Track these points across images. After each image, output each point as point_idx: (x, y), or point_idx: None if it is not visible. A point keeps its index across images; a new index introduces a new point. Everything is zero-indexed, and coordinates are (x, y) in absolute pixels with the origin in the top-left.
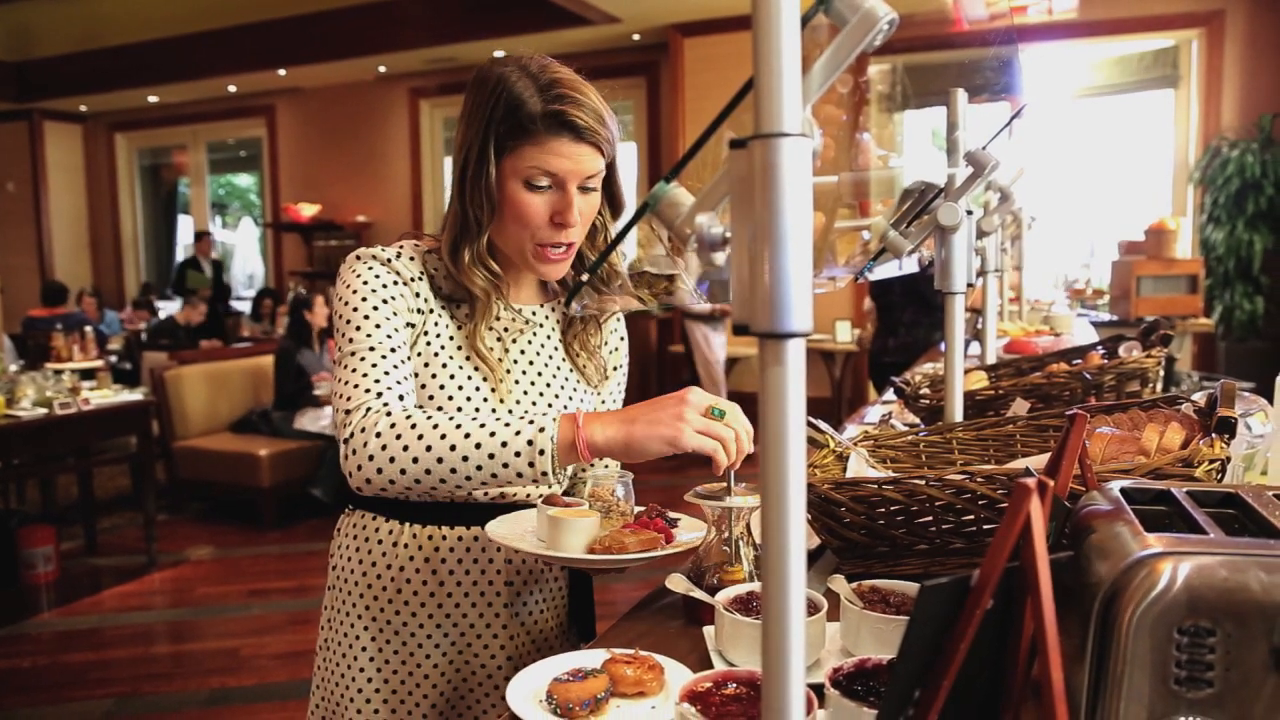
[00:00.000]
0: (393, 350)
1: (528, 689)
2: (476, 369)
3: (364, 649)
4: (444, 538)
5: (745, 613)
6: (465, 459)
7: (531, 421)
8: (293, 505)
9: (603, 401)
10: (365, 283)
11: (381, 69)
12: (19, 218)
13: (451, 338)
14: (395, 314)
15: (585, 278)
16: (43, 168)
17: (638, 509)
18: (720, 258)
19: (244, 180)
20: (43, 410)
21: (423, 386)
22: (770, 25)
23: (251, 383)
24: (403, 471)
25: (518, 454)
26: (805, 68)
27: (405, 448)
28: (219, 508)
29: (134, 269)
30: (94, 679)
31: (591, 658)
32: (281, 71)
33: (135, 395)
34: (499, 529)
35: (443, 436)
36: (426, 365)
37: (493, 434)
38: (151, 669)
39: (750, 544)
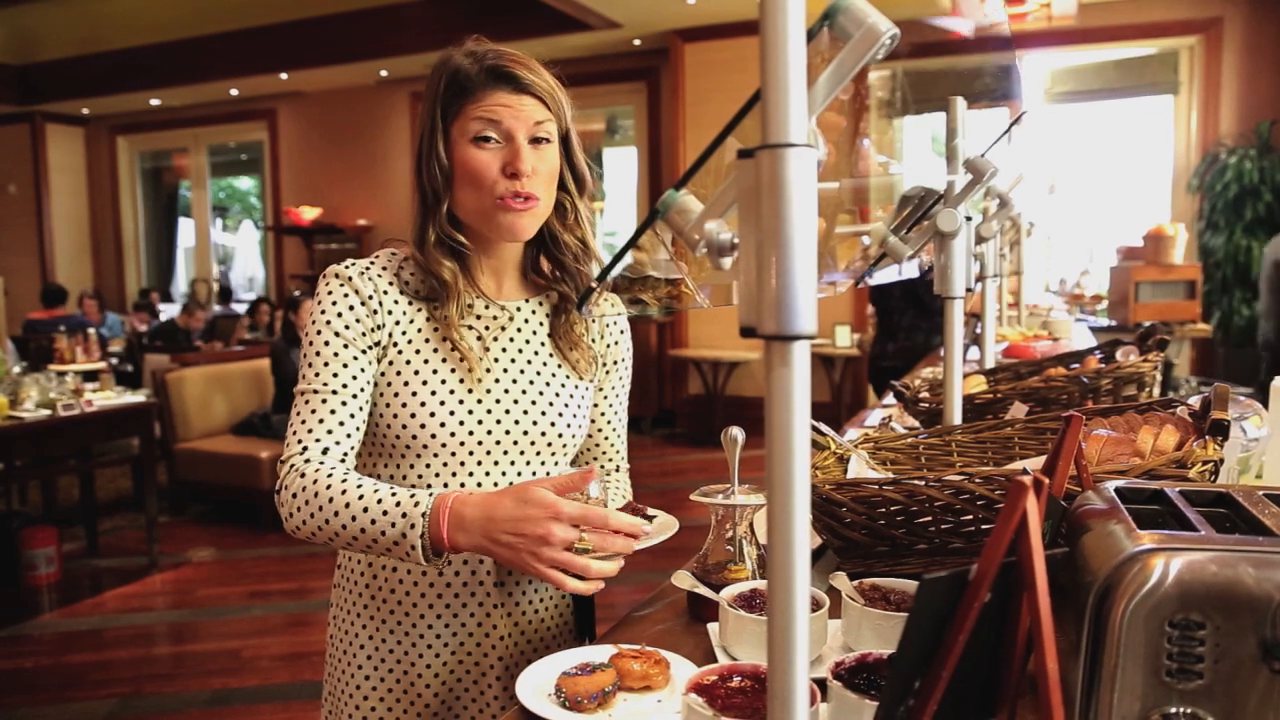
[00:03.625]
0: (333, 393)
1: (536, 682)
2: (444, 361)
3: (361, 647)
4: None
5: (749, 609)
6: (354, 519)
7: (412, 496)
8: None
9: (604, 397)
10: (323, 311)
11: (383, 73)
12: (20, 220)
13: (435, 331)
14: (347, 345)
15: (596, 283)
16: (44, 170)
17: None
18: (728, 263)
19: (245, 183)
20: (46, 412)
21: (395, 395)
22: (777, 40)
23: (252, 385)
24: (320, 528)
25: (393, 525)
26: (810, 80)
27: (312, 514)
28: (220, 509)
29: (135, 271)
30: (95, 680)
31: (599, 652)
32: (283, 75)
33: (138, 397)
34: None
35: (346, 504)
36: (398, 373)
37: (379, 500)
38: (153, 670)
39: (754, 543)
